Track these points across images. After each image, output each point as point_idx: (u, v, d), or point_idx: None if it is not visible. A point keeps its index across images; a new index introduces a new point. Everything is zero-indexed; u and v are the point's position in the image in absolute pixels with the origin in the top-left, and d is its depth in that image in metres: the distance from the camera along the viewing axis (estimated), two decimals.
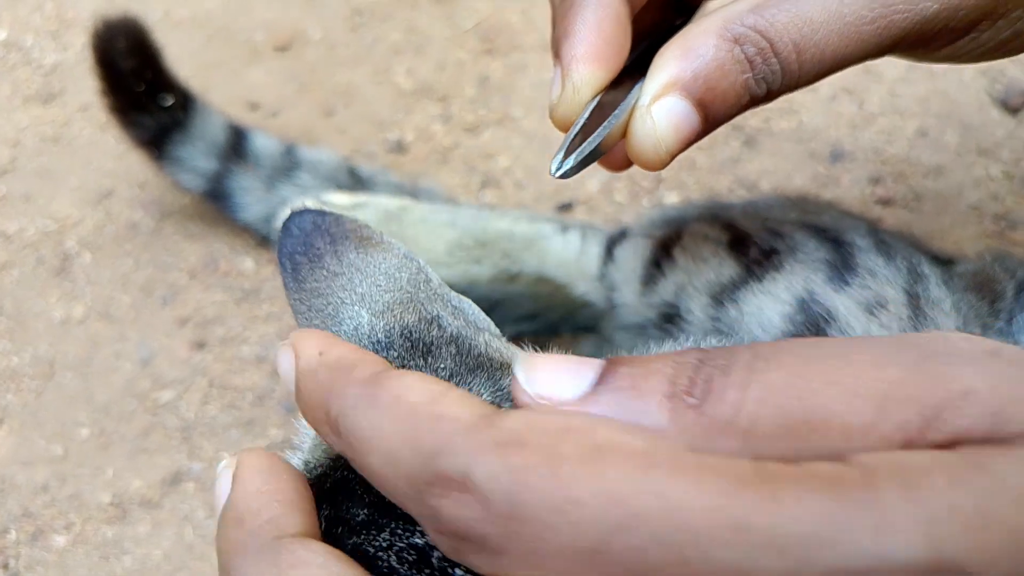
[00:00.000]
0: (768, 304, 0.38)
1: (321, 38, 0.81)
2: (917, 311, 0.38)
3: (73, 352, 0.64)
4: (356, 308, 0.29)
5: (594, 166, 0.31)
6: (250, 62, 0.79)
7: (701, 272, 0.42)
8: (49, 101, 0.78)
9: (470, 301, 0.30)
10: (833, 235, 0.42)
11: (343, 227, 0.31)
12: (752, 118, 0.74)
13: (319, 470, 0.27)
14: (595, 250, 0.50)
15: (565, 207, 0.71)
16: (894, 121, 0.72)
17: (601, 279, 0.49)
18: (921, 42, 0.29)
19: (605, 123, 0.28)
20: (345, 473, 0.25)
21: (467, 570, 0.22)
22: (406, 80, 0.78)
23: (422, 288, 0.30)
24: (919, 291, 0.39)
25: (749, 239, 0.43)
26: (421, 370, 0.28)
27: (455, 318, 0.29)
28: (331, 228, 0.31)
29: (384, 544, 0.23)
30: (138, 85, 0.62)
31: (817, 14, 0.27)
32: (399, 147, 0.73)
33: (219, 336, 0.64)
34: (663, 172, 0.72)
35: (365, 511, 0.24)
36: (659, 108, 0.28)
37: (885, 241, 0.43)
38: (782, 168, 0.72)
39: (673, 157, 0.29)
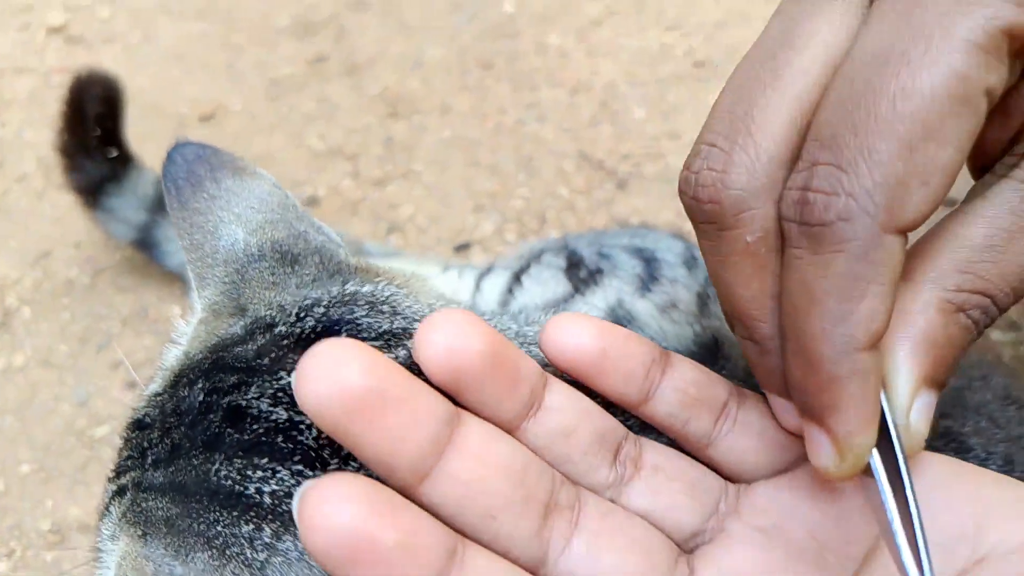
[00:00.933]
0: (585, 311, 0.47)
1: (241, 109, 0.90)
2: (704, 308, 0.47)
3: (14, 397, 0.70)
4: (233, 227, 0.35)
5: None
6: (177, 132, 0.88)
7: (541, 293, 0.51)
8: None
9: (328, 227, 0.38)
10: (649, 254, 0.52)
11: (221, 158, 0.37)
12: (623, 164, 0.85)
13: (199, 355, 0.33)
14: (468, 284, 0.60)
15: (463, 247, 0.80)
16: None
17: (472, 308, 0.58)
18: None
19: (909, 496, 0.24)
20: (221, 354, 0.32)
21: None
22: (319, 143, 0.87)
23: (290, 211, 0.36)
24: (710, 292, 0.48)
25: (582, 263, 0.53)
26: (288, 277, 0.34)
27: (319, 234, 0.36)
28: (211, 158, 0.37)
29: (255, 395, 0.30)
30: (94, 130, 0.69)
31: None
32: (313, 201, 0.82)
33: (149, 376, 0.71)
34: (547, 213, 0.82)
35: (235, 376, 0.30)
36: (916, 416, 0.26)
37: (695, 257, 0.53)
38: (651, 206, 0.82)
39: None
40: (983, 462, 0.40)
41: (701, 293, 0.49)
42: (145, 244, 0.72)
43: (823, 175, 0.23)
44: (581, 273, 0.51)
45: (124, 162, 0.72)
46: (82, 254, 0.78)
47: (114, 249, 0.77)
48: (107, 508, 0.34)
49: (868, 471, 0.26)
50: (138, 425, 0.34)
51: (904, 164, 0.22)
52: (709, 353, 0.46)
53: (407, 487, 0.24)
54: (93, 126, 0.68)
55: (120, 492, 0.33)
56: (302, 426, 0.29)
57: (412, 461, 0.23)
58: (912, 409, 0.26)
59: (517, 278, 0.55)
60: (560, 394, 0.28)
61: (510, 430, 0.27)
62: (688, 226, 0.29)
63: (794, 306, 0.24)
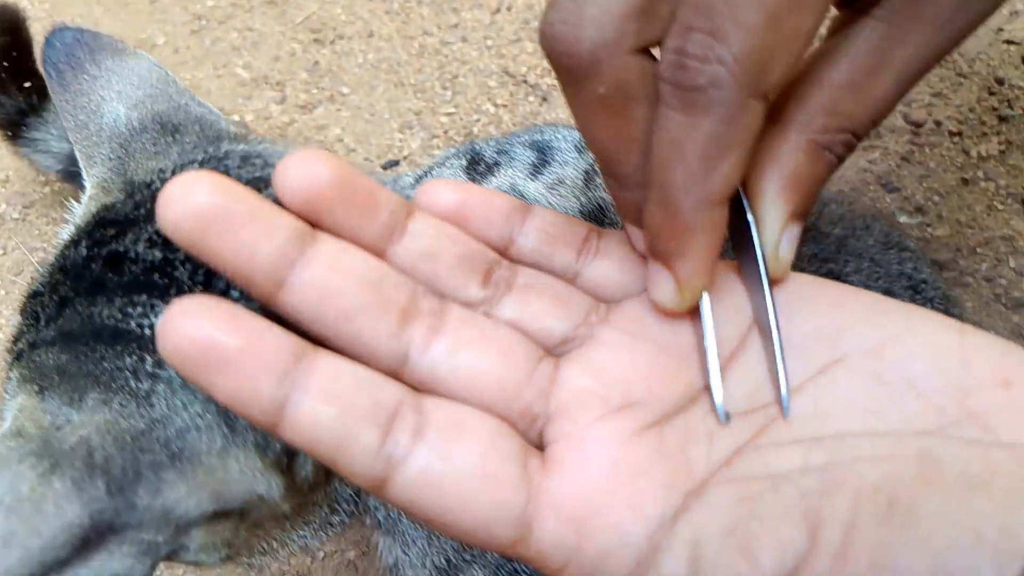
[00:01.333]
0: None
1: (165, 42, 0.90)
2: (589, 183, 0.50)
3: None
4: (114, 104, 0.37)
5: None
6: None
7: None
8: None
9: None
10: (544, 145, 0.54)
11: (100, 40, 0.39)
12: (546, 78, 0.86)
13: (84, 223, 0.36)
14: None
15: (391, 164, 0.81)
16: None
17: None
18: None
19: (772, 323, 0.27)
20: (103, 215, 0.34)
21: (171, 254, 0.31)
22: (245, 72, 0.87)
23: (171, 85, 0.38)
24: (596, 168, 0.51)
25: (482, 159, 0.54)
26: (170, 146, 0.36)
27: (200, 106, 0.38)
28: (90, 41, 0.39)
29: (131, 240, 0.32)
30: (3, 62, 0.69)
31: (887, 87, 0.28)
32: (241, 127, 0.83)
33: None
34: (474, 128, 0.84)
35: (115, 228, 0.33)
36: (784, 247, 0.28)
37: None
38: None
39: None
40: None
41: (588, 170, 0.51)
42: (72, 174, 0.73)
43: (697, 41, 0.24)
44: (480, 168, 0.53)
45: (43, 94, 0.72)
46: (10, 189, 0.78)
47: (43, 183, 0.78)
48: (8, 375, 0.36)
49: (697, 309, 0.29)
50: (32, 295, 0.36)
51: (771, 33, 0.24)
52: (595, 220, 0.49)
53: (267, 296, 0.26)
54: (1, 56, 0.68)
55: (18, 356, 0.35)
56: (176, 262, 0.31)
57: (266, 270, 0.25)
58: (781, 242, 0.28)
59: (420, 181, 0.57)
60: (424, 222, 0.29)
61: (375, 255, 0.28)
62: None
63: (662, 159, 0.26)
